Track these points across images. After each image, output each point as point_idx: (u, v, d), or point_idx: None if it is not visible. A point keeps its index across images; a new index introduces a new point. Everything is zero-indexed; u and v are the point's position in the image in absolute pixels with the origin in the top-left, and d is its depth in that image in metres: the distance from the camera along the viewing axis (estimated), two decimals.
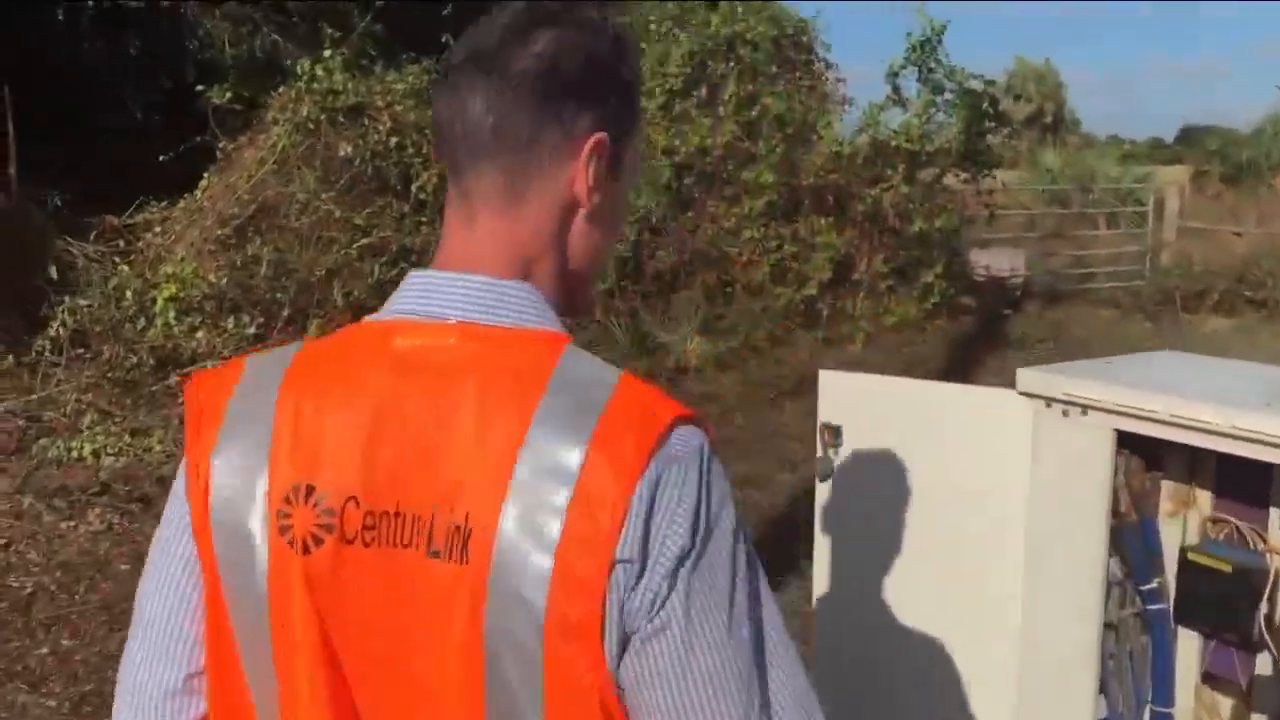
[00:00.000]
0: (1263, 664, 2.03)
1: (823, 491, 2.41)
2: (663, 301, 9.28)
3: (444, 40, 9.35)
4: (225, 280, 7.29)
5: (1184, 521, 2.12)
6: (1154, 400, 1.88)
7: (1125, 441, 2.02)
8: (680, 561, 0.86)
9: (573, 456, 0.86)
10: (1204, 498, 2.09)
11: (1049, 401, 2.08)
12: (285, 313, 7.38)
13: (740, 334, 8.91)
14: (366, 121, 8.16)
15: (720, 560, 0.89)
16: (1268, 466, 1.86)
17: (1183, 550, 2.08)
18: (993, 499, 2.19)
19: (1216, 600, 2.00)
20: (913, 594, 2.30)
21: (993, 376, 8.69)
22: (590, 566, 0.85)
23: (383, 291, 7.96)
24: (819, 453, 2.39)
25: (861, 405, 2.34)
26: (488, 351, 0.93)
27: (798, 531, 5.28)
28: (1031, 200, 17.03)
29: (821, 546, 2.45)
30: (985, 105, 9.73)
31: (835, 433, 2.36)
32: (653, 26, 10.39)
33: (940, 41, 9.42)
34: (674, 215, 9.57)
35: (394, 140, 8.11)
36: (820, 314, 9.46)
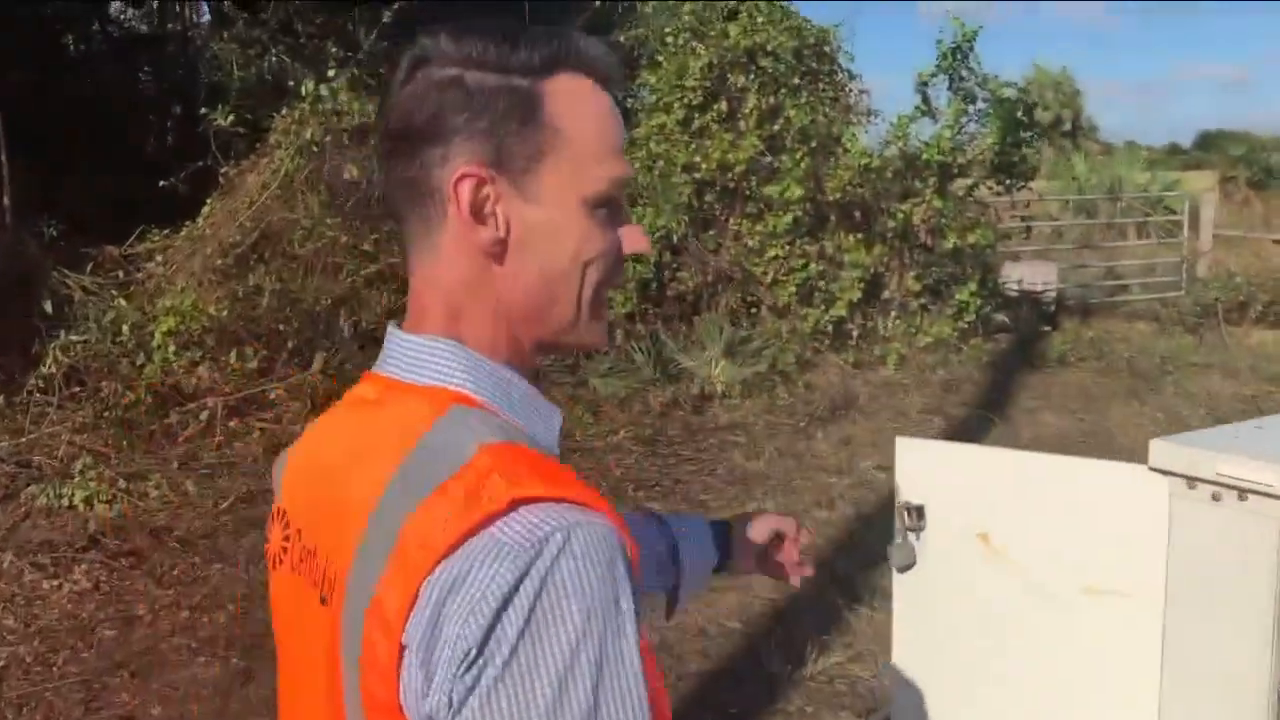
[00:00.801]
0: None
1: (902, 585, 2.01)
2: (685, 325, 8.89)
3: None
4: (226, 312, 6.94)
5: None
6: None
7: None
8: (469, 666, 0.77)
9: (399, 525, 0.82)
10: None
11: (1192, 481, 1.68)
12: (290, 345, 7.02)
13: (767, 358, 8.50)
14: (373, 142, 7.81)
15: (539, 676, 0.76)
16: None
17: None
18: (1119, 602, 1.79)
19: None
20: (1017, 712, 1.90)
21: (1036, 399, 8.26)
22: (386, 647, 0.80)
23: (392, 319, 7.65)
24: (897, 538, 1.99)
25: (949, 480, 1.94)
26: (390, 407, 0.94)
27: (837, 580, 4.87)
28: (1058, 210, 16.59)
29: (902, 648, 2.04)
30: (1020, 114, 9.30)
31: (917, 514, 1.96)
32: (669, 39, 10.03)
33: (972, 49, 9.01)
34: (695, 234, 9.19)
35: None
36: (850, 335, 9.03)
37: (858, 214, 9.42)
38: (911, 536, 1.97)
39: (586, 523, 0.80)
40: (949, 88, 9.30)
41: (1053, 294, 11.84)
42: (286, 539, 0.99)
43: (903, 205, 9.06)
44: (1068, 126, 43.20)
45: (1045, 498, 1.84)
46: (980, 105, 9.29)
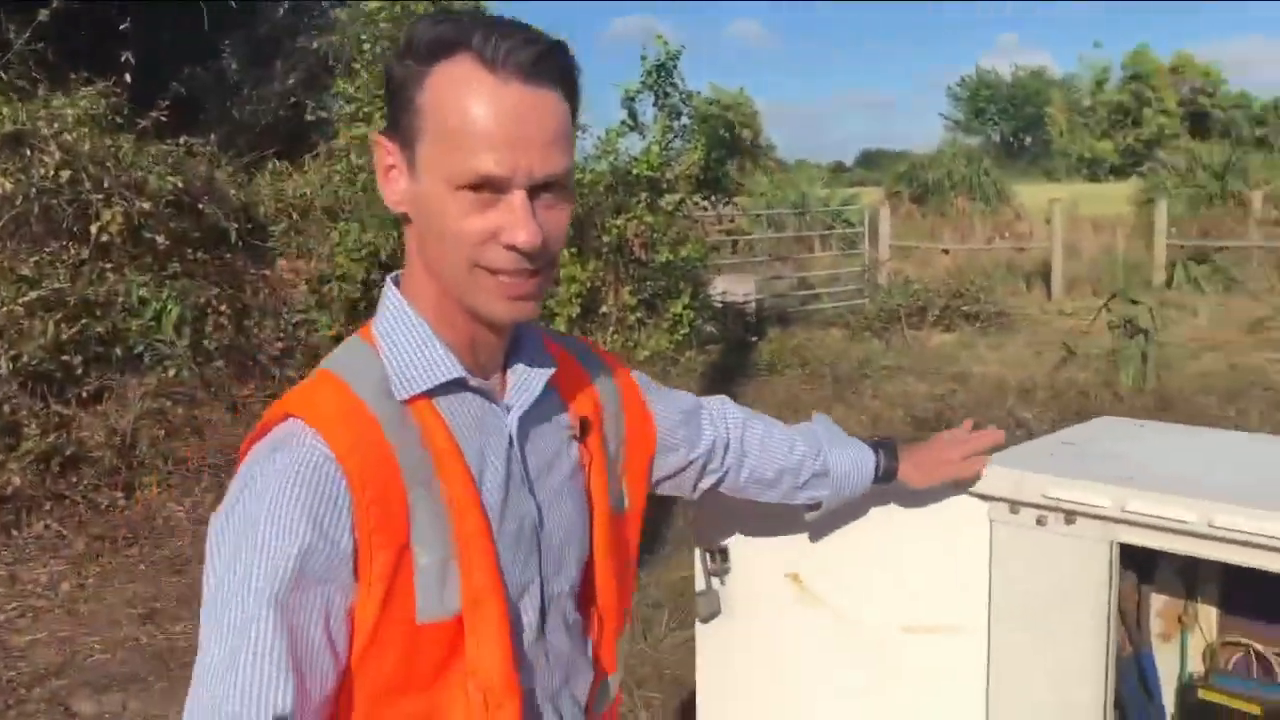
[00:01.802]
0: None
1: (706, 632, 1.81)
2: None
3: (124, 59, 8.19)
4: None
5: (1182, 647, 1.68)
6: (1179, 507, 1.41)
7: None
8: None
9: None
10: (1208, 615, 1.65)
11: (1015, 505, 1.58)
12: None
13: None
14: (30, 153, 6.85)
15: (212, 547, 0.97)
16: None
17: (1187, 686, 1.64)
18: (941, 637, 1.67)
19: None
20: None
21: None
22: None
23: (61, 353, 6.73)
24: (699, 585, 1.79)
25: (754, 517, 1.75)
26: None
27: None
28: (749, 224, 17.32)
29: (707, 701, 1.84)
30: (722, 131, 9.53)
31: (721, 555, 1.77)
32: (366, 47, 9.55)
33: (676, 65, 9.13)
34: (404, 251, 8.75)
35: (66, 174, 6.84)
36: None
37: (572, 229, 9.30)
38: (715, 582, 1.77)
39: (309, 447, 0.97)
40: (654, 104, 9.38)
41: (753, 305, 12.29)
42: None
43: (616, 220, 9.03)
44: (748, 144, 45.73)
45: (858, 531, 1.69)
46: (684, 121, 9.43)
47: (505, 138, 0.96)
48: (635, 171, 9.05)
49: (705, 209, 9.98)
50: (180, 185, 7.44)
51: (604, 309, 9.13)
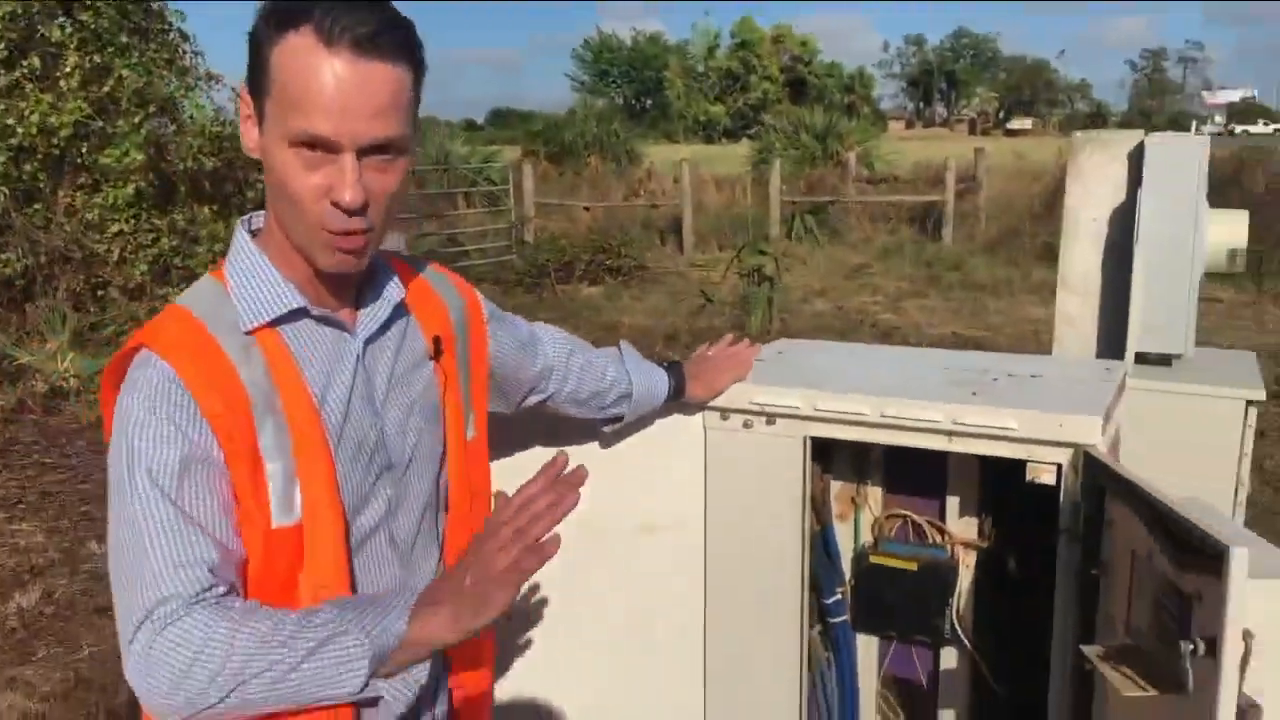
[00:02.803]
0: (947, 658, 1.99)
1: None
2: (17, 314, 7.69)
3: None
4: None
5: (855, 523, 2.01)
6: (858, 403, 1.72)
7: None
8: None
9: None
10: (875, 495, 2.00)
11: (725, 413, 1.84)
12: None
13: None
14: None
15: (109, 483, 1.09)
16: (941, 455, 1.80)
17: (860, 554, 1.97)
18: (670, 536, 1.90)
19: (905, 601, 1.91)
20: (584, 648, 1.94)
21: None
22: None
23: None
24: None
25: (496, 441, 1.90)
26: None
27: None
28: None
29: None
30: None
31: None
32: None
33: None
34: (18, 209, 7.93)
35: None
36: None
37: (208, 184, 8.83)
38: None
39: (156, 369, 1.08)
40: None
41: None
42: None
43: (260, 175, 8.67)
44: None
45: (594, 446, 1.89)
46: None
47: (335, 104, 1.06)
48: None
49: None
50: None
51: None
